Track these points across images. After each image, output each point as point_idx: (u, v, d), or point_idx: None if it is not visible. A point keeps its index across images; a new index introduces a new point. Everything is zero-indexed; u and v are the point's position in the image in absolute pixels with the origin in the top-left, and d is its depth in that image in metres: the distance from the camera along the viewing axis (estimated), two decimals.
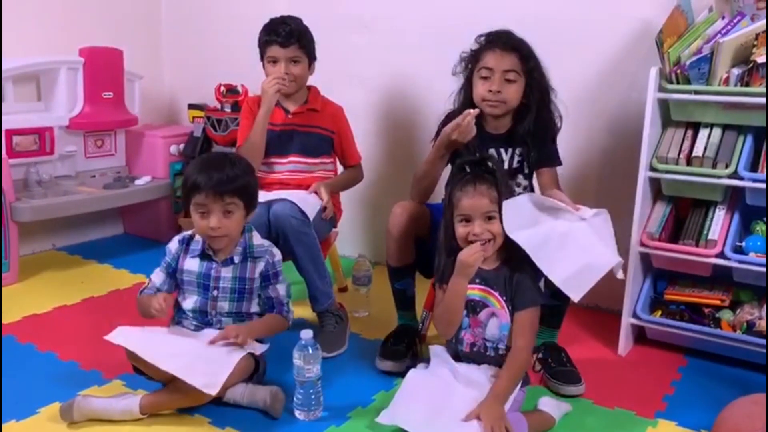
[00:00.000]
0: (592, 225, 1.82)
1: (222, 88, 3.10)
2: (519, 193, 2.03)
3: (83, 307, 2.52)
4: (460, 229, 1.75)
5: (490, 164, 1.79)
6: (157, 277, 1.95)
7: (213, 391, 1.70)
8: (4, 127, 2.75)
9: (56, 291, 2.64)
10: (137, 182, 3.14)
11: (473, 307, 1.78)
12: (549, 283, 1.90)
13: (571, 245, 1.77)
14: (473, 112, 1.94)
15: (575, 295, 1.75)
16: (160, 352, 1.72)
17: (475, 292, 1.78)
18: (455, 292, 1.76)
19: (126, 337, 1.76)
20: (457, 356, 1.82)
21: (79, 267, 2.97)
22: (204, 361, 1.74)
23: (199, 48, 3.46)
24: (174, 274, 1.94)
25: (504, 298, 1.76)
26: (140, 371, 1.81)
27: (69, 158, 3.07)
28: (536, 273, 1.79)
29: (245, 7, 3.21)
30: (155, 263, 1.98)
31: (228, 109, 3.06)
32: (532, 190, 2.16)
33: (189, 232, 1.95)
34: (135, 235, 3.43)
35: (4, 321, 2.34)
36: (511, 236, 1.72)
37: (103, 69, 3.05)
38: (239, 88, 3.09)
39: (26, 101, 2.96)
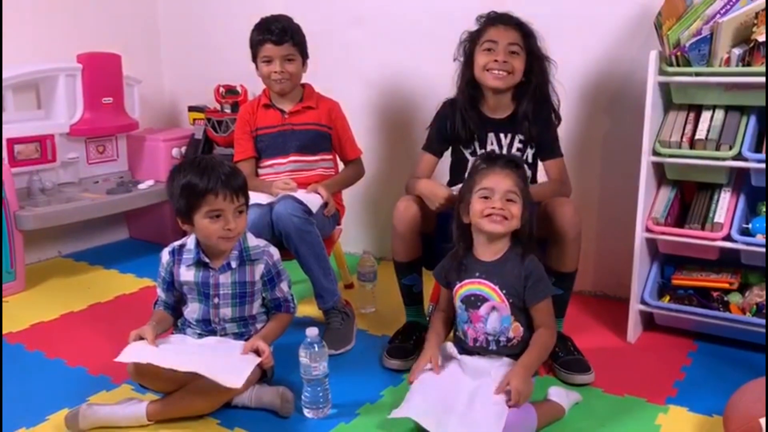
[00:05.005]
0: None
1: (221, 89, 3.10)
2: None
3: (90, 313, 2.53)
4: (478, 205, 1.74)
5: (516, 164, 1.80)
6: (161, 291, 1.95)
7: (239, 383, 1.69)
8: (6, 136, 2.76)
9: (63, 298, 2.65)
10: (140, 186, 3.14)
11: (473, 301, 1.77)
12: (551, 272, 1.89)
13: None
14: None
15: None
16: (175, 360, 1.70)
17: (474, 286, 1.77)
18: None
19: (137, 353, 1.72)
20: (466, 351, 1.81)
21: (86, 273, 2.98)
22: (222, 362, 1.73)
23: (197, 50, 3.46)
24: (172, 285, 1.92)
25: (504, 291, 1.75)
26: (145, 386, 1.80)
27: (71, 165, 3.07)
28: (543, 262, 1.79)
29: (242, 7, 3.20)
30: None
31: (228, 110, 3.06)
32: (534, 179, 2.15)
33: (178, 243, 1.93)
34: (140, 240, 3.44)
35: (13, 329, 2.35)
36: None
37: (102, 74, 3.05)
38: (238, 89, 3.09)
39: (26, 109, 2.96)
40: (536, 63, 2.03)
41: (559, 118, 2.12)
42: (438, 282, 1.93)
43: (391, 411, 1.67)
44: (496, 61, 1.98)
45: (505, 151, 2.07)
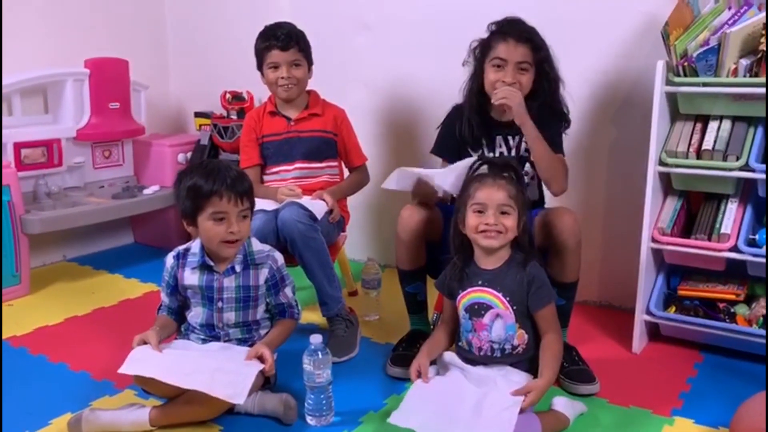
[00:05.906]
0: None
1: (227, 95, 3.10)
2: (527, 183, 2.03)
3: (94, 317, 2.53)
4: (473, 220, 1.73)
5: (514, 169, 1.79)
6: (165, 295, 1.94)
7: (240, 400, 1.68)
8: (13, 140, 2.77)
9: (67, 302, 2.65)
10: (146, 191, 3.14)
11: (477, 309, 1.77)
12: (553, 283, 1.88)
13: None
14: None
15: None
16: (179, 373, 1.69)
17: (477, 294, 1.77)
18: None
19: (140, 364, 1.71)
20: (472, 361, 1.80)
21: (90, 277, 2.98)
22: (224, 373, 1.72)
23: (204, 56, 3.47)
24: (176, 289, 1.92)
25: (507, 298, 1.75)
26: (148, 391, 1.80)
27: (77, 169, 3.08)
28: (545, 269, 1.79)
29: (248, 14, 3.21)
30: None
31: (234, 116, 3.07)
32: (539, 179, 2.14)
33: (183, 246, 1.93)
34: (145, 244, 3.44)
35: (17, 333, 2.35)
36: None
37: (109, 80, 3.06)
38: (244, 95, 3.10)
39: (33, 114, 2.98)
40: (545, 75, 2.03)
41: (568, 122, 2.12)
42: (441, 293, 1.92)
43: (391, 415, 1.66)
44: (503, 82, 1.99)
45: (513, 154, 2.07)
